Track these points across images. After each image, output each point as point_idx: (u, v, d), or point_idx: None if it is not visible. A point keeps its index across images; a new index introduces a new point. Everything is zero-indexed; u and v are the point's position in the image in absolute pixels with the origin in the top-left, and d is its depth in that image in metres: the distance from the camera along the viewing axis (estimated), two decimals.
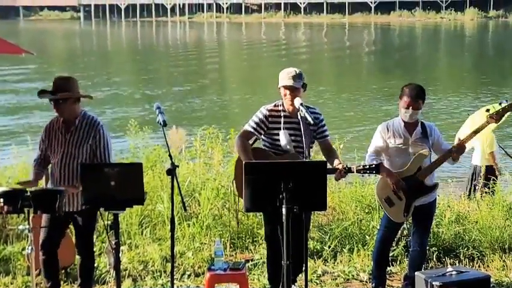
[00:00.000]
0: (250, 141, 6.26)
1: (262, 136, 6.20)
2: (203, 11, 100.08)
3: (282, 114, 6.12)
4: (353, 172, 6.03)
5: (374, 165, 5.98)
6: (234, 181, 6.39)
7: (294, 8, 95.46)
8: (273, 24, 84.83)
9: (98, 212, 5.92)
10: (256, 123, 6.15)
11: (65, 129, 6.04)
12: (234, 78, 33.48)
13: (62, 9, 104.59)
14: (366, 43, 54.01)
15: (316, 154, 7.04)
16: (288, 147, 6.08)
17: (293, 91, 5.99)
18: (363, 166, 6.02)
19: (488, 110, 6.06)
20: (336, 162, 6.03)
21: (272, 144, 6.16)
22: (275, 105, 6.18)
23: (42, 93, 5.98)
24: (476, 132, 6.07)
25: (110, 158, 6.12)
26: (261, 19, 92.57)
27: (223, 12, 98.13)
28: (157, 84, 29.30)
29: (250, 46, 52.51)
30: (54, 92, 5.90)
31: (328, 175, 5.98)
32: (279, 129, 6.11)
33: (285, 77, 6.04)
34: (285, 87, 6.02)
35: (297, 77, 6.01)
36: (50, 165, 6.19)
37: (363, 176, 6.89)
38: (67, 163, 6.03)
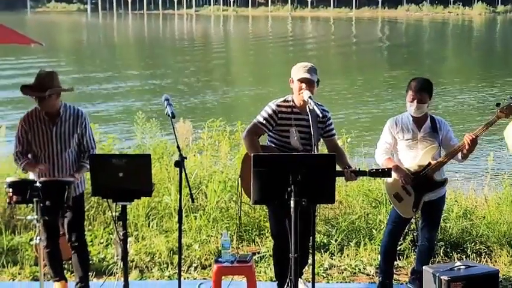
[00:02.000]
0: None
1: (269, 132, 6.07)
2: (210, 4, 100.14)
3: (292, 110, 6.00)
4: (366, 175, 6.01)
5: (386, 169, 5.96)
6: (239, 178, 6.32)
7: (301, 2, 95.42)
8: (279, 17, 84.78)
9: (106, 203, 5.92)
10: (265, 119, 5.97)
11: (50, 122, 6.03)
12: (241, 72, 33.46)
13: (69, 1, 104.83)
14: (373, 38, 53.87)
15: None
16: (297, 144, 6.00)
17: (309, 84, 5.84)
18: (376, 170, 5.99)
19: (498, 105, 6.02)
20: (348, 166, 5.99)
21: (280, 141, 6.02)
22: (285, 101, 6.02)
23: (25, 88, 5.96)
24: (487, 126, 6.01)
25: (95, 144, 6.27)
26: (267, 13, 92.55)
27: (229, 5, 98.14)
28: (164, 77, 29.29)
29: (256, 40, 52.46)
30: (40, 88, 5.87)
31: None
32: (289, 125, 5.97)
33: (301, 70, 5.89)
34: (301, 80, 5.85)
35: (313, 70, 5.90)
36: (36, 158, 6.13)
37: (374, 179, 6.84)
38: (58, 154, 6.04)
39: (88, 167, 5.98)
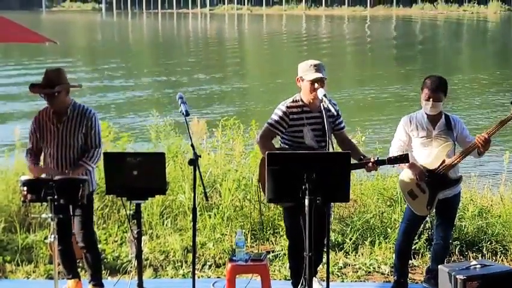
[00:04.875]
0: None
1: (282, 134, 6.04)
2: (224, 3, 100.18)
3: (303, 110, 5.97)
4: (386, 164, 5.99)
5: (404, 155, 5.94)
6: (258, 183, 6.27)
7: (315, 1, 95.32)
8: (294, 16, 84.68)
9: (121, 202, 5.92)
10: (277, 121, 5.96)
11: (57, 120, 6.03)
12: (255, 70, 33.42)
13: (84, 0, 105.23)
14: (387, 36, 53.68)
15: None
16: (312, 143, 5.97)
17: (321, 83, 5.83)
18: (394, 157, 5.98)
19: None
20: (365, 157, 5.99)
21: (294, 141, 6.00)
22: (294, 101, 6.00)
23: (33, 87, 5.97)
24: (501, 124, 5.98)
25: (100, 144, 6.15)
26: (282, 11, 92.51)
27: (244, 4, 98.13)
28: (179, 75, 29.30)
29: (271, 38, 52.42)
30: (48, 85, 5.89)
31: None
32: (302, 125, 5.95)
33: (310, 69, 5.86)
34: (314, 80, 5.82)
35: (322, 67, 5.89)
36: (43, 156, 6.18)
37: (393, 166, 6.81)
38: (62, 153, 6.04)
39: (88, 167, 6.02)
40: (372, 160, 5.89)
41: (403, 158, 5.95)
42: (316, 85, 5.83)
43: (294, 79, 6.05)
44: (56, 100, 5.93)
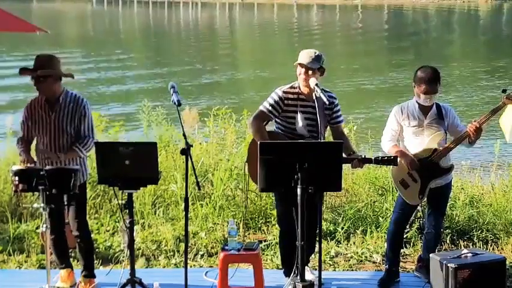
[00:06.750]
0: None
1: (276, 119, 6.08)
2: None
3: (298, 97, 6.00)
4: (372, 163, 6.00)
5: (392, 157, 5.94)
6: (246, 163, 6.30)
7: None
8: (285, 5, 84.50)
9: (113, 191, 5.91)
10: (272, 105, 5.99)
11: (49, 108, 6.00)
12: (247, 60, 33.36)
13: None
14: (379, 25, 53.67)
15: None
16: (303, 131, 5.98)
17: (307, 71, 5.86)
18: (382, 157, 5.99)
19: (504, 91, 5.99)
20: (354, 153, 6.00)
21: (286, 127, 6.03)
22: (291, 87, 6.04)
23: (23, 70, 5.94)
24: (493, 112, 6.00)
25: (92, 132, 6.12)
26: (273, 0, 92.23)
27: None
28: (170, 65, 29.23)
29: (262, 28, 52.32)
30: (36, 69, 5.84)
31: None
32: (295, 112, 5.97)
33: (304, 56, 5.91)
34: (301, 65, 5.89)
35: (315, 58, 5.90)
36: (36, 144, 6.15)
37: (380, 166, 6.82)
38: (56, 141, 6.00)
39: (80, 153, 5.96)
40: (359, 157, 5.90)
41: (391, 160, 5.96)
42: (303, 70, 5.86)
43: (286, 69, 6.08)
44: (43, 87, 5.88)
